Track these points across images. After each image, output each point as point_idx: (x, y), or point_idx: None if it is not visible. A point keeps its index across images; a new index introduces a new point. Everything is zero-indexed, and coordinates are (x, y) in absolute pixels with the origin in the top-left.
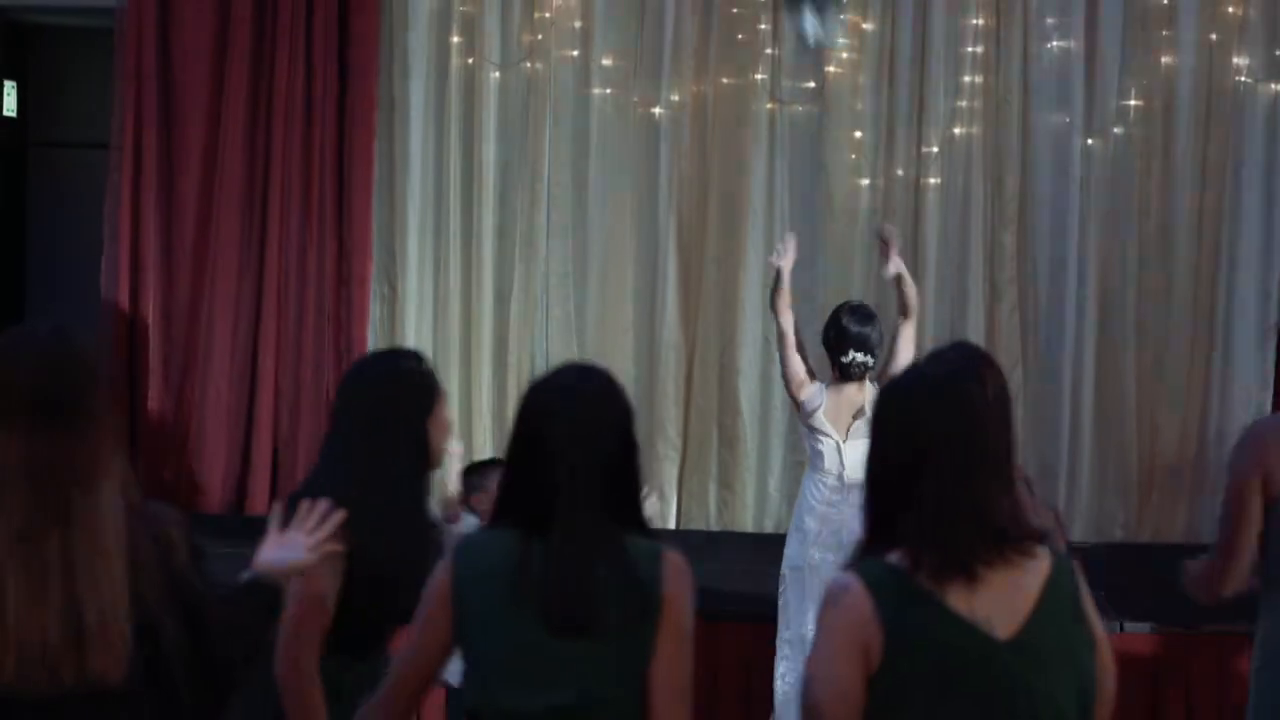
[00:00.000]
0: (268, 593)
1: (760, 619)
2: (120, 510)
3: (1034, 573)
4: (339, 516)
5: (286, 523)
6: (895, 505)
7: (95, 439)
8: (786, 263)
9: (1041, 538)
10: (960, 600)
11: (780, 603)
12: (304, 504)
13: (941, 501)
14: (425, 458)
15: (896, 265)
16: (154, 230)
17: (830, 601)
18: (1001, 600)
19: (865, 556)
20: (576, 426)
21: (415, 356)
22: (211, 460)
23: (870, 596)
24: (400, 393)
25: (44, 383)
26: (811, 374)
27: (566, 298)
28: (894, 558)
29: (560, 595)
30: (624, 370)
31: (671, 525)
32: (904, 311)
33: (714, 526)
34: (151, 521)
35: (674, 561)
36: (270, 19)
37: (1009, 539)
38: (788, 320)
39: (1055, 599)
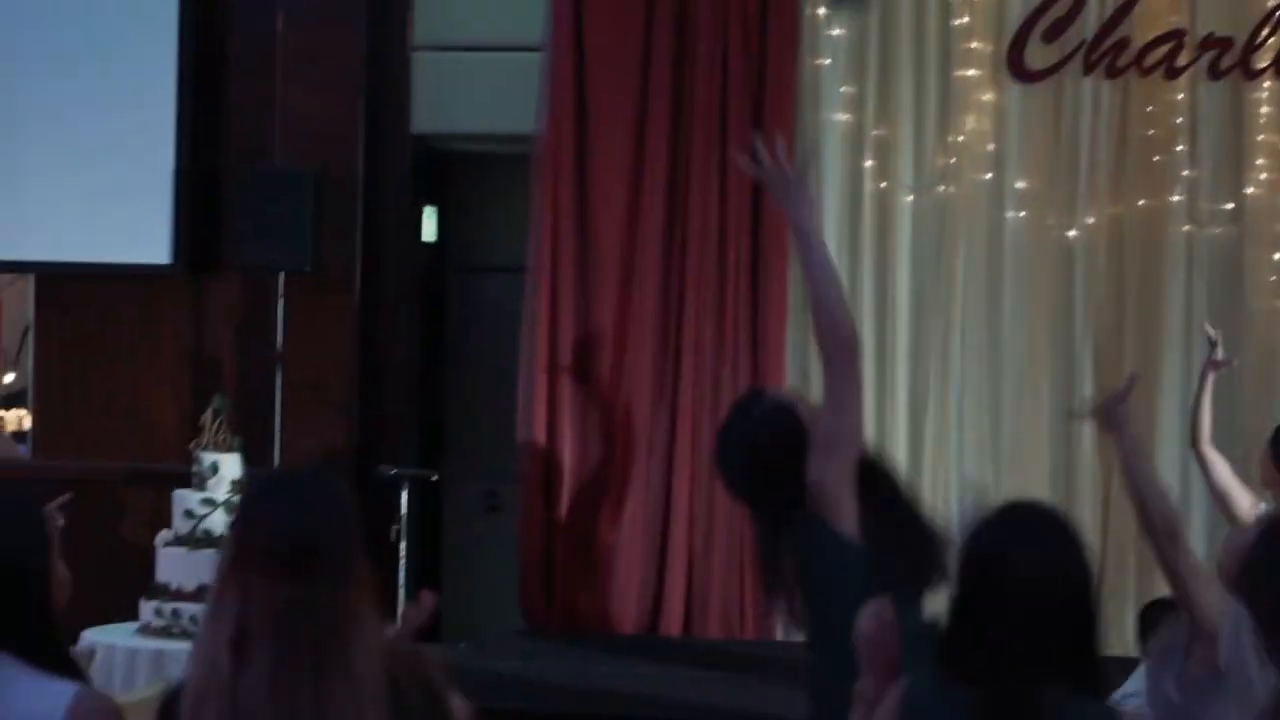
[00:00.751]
0: None
1: None
2: (379, 659)
3: None
4: None
5: None
6: None
7: (350, 587)
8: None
9: None
10: None
11: None
12: None
13: None
14: None
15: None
16: (570, 354)
17: None
18: None
19: None
20: (1034, 570)
21: None
22: (627, 583)
23: None
24: None
25: (297, 529)
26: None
27: (981, 422)
28: None
29: None
30: (1040, 494)
31: None
32: None
33: (1133, 653)
34: (414, 666)
35: None
36: (685, 142)
37: None
38: (1213, 453)
39: None
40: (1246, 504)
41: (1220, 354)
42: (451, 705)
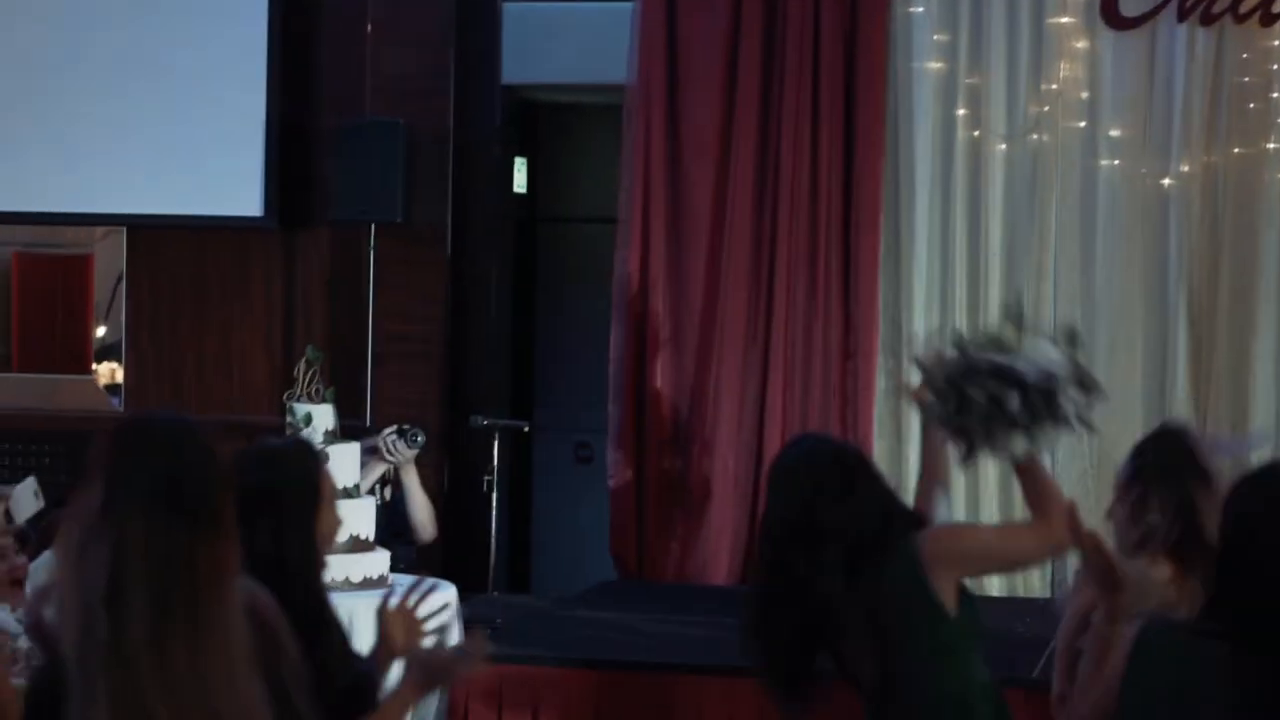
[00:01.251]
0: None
1: None
2: (242, 609)
3: None
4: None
5: None
6: None
7: (221, 534)
8: None
9: None
10: None
11: None
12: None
13: None
14: None
15: None
16: (661, 304)
17: None
18: None
19: None
20: None
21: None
22: (718, 532)
23: None
24: None
25: (170, 475)
26: None
27: None
28: None
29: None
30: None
31: None
32: None
33: None
34: (256, 616)
35: None
36: (777, 95)
37: None
38: None
39: None
40: None
41: None
42: (294, 655)
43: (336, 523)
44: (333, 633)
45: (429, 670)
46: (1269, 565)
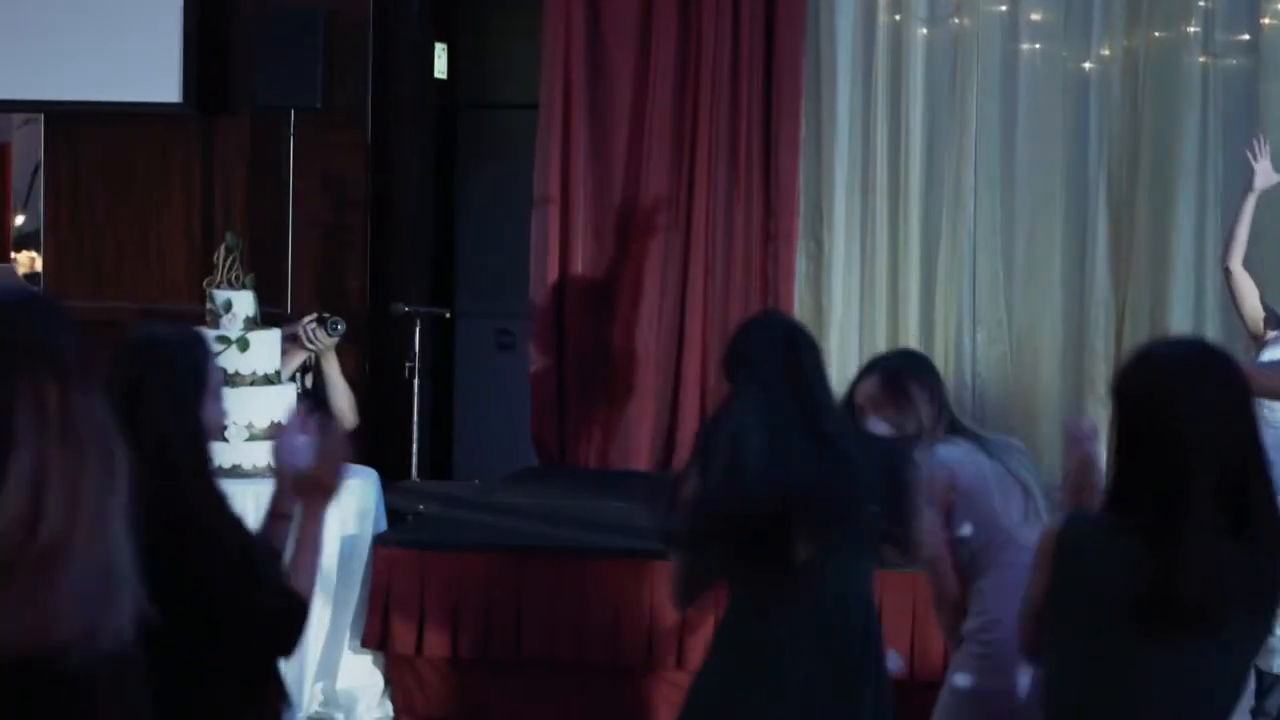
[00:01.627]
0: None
1: None
2: (128, 470)
3: None
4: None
5: None
6: None
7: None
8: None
9: None
10: None
11: None
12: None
13: None
14: None
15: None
16: (583, 189)
17: None
18: None
19: None
20: (1208, 408)
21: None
22: (639, 416)
23: None
24: None
25: (59, 338)
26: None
27: (994, 254)
28: None
29: (1170, 598)
30: (1052, 327)
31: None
32: None
33: None
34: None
35: None
36: None
37: None
38: (1240, 271)
39: None
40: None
41: (1260, 177)
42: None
43: (222, 415)
44: (229, 517)
45: (309, 481)
46: (1165, 448)
